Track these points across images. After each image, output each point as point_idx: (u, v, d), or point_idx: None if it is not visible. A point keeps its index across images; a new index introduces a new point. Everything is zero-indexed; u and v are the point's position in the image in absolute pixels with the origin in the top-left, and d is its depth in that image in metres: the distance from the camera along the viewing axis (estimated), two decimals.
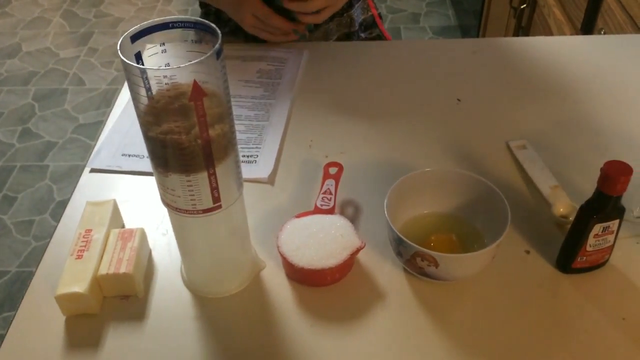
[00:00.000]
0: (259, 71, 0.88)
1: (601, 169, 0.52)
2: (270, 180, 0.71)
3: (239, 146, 0.74)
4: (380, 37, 1.05)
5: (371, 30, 1.04)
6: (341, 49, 0.94)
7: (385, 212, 0.56)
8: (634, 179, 0.57)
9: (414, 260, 0.55)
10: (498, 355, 0.53)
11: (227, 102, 0.47)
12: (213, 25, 0.46)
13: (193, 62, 0.43)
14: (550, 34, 1.45)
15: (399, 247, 0.56)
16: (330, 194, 0.64)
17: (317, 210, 0.62)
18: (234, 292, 0.58)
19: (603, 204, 0.53)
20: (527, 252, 0.61)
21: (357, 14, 1.01)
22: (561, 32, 1.38)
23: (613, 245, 0.57)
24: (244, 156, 0.73)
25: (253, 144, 0.75)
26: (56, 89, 2.45)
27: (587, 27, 1.23)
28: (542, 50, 0.91)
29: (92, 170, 0.72)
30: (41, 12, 3.06)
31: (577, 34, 1.32)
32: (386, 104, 0.82)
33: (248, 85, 0.85)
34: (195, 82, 0.43)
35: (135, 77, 0.43)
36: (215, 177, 0.48)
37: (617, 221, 0.54)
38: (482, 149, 0.74)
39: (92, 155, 0.74)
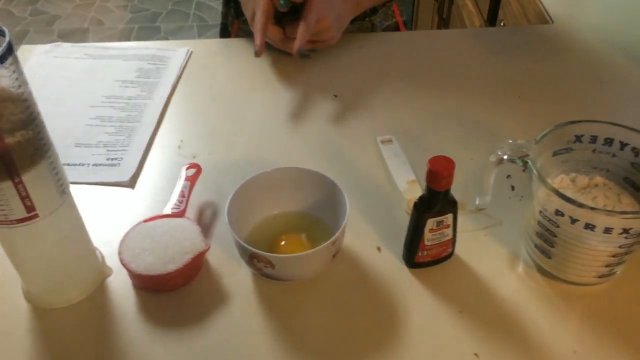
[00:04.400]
0: (138, 70, 0.86)
1: (427, 166, 0.52)
2: (131, 183, 0.69)
3: (105, 149, 0.74)
4: None
5: None
6: (224, 48, 0.93)
7: (226, 213, 0.56)
8: (472, 172, 0.57)
9: (252, 262, 0.55)
10: (338, 353, 0.53)
11: (28, 108, 0.46)
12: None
13: None
14: (465, 26, 1.47)
15: (239, 249, 0.56)
16: (184, 196, 0.63)
17: (166, 214, 0.61)
18: (74, 302, 0.56)
19: (434, 200, 0.54)
20: (378, 248, 0.62)
21: (380, 20, 0.99)
22: (472, 24, 1.40)
23: (454, 239, 0.58)
24: (108, 159, 0.72)
25: (120, 146, 0.73)
26: None
27: (492, 19, 1.25)
28: (424, 45, 0.92)
29: None
30: None
31: (485, 25, 1.34)
32: (263, 103, 0.82)
33: (125, 85, 0.83)
34: None
35: None
36: (24, 186, 0.47)
37: (450, 215, 0.55)
38: (353, 144, 0.74)
39: None
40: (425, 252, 0.57)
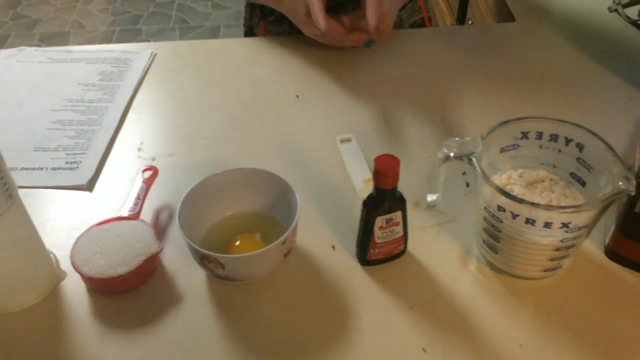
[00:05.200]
0: (101, 73, 0.86)
1: (373, 165, 0.53)
2: (90, 186, 0.69)
3: (65, 152, 0.74)
4: None
5: None
6: (190, 48, 0.93)
7: (177, 215, 0.56)
8: (428, 170, 0.58)
9: (203, 263, 0.55)
10: (291, 352, 0.53)
11: None
12: None
13: None
14: (437, 24, 1.47)
15: (190, 250, 0.56)
16: (139, 199, 0.63)
17: (120, 217, 0.61)
18: (27, 306, 0.56)
19: (381, 198, 0.54)
20: (333, 247, 0.62)
21: (408, 16, 0.99)
22: (444, 23, 1.41)
23: (405, 236, 0.58)
24: (67, 163, 0.72)
25: (79, 150, 0.73)
26: None
27: (462, 17, 1.26)
28: (389, 44, 0.91)
29: None
30: None
31: (456, 24, 1.35)
32: (224, 104, 0.82)
33: (87, 88, 0.83)
34: None
35: None
36: None
37: (399, 213, 0.56)
38: (314, 144, 0.75)
39: None
40: (376, 250, 0.58)
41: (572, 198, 0.56)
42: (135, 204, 0.62)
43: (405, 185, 0.63)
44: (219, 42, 0.94)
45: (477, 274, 0.59)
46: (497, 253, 0.56)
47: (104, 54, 0.90)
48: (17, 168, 0.71)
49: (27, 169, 0.71)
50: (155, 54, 0.90)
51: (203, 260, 0.55)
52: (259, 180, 0.61)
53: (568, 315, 0.55)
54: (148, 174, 0.66)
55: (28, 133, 0.76)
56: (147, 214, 0.66)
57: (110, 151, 0.74)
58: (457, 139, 0.56)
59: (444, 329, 0.54)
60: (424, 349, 0.53)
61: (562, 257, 0.53)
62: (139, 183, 0.65)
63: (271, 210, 0.62)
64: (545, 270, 0.55)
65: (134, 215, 0.62)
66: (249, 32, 1.07)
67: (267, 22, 1.02)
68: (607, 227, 0.60)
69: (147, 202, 0.66)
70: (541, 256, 0.53)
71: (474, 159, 0.53)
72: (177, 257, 0.62)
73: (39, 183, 0.69)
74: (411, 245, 0.61)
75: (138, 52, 0.90)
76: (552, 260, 0.53)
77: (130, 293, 0.58)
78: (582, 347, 0.53)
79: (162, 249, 0.58)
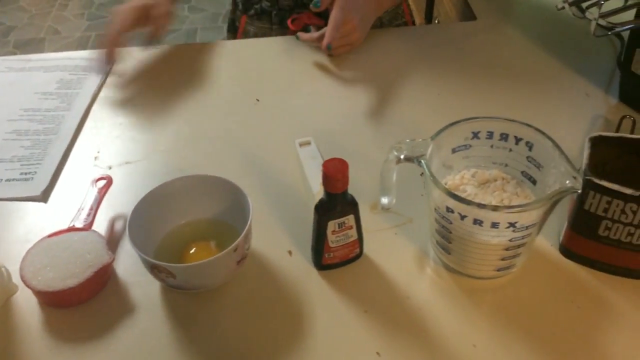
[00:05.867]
0: (59, 82, 0.85)
1: (322, 169, 0.53)
2: (44, 197, 0.68)
3: (19, 163, 0.72)
4: None
5: None
6: (149, 54, 0.91)
7: (127, 225, 0.55)
8: (373, 171, 0.57)
9: (154, 273, 0.55)
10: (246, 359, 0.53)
11: None
12: None
13: None
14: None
15: (141, 260, 0.55)
16: (92, 209, 0.62)
17: (72, 228, 0.60)
18: None
19: (332, 202, 0.54)
20: (289, 252, 0.62)
21: (389, 19, 1.00)
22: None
23: (360, 239, 0.58)
24: (21, 174, 0.70)
25: (35, 160, 0.72)
26: None
27: (429, 16, 1.26)
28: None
29: None
30: None
31: (425, 23, 1.35)
32: (183, 110, 0.81)
33: (44, 97, 0.82)
34: None
35: None
36: None
37: (351, 216, 0.55)
38: (273, 147, 0.75)
39: None
40: (331, 254, 0.58)
41: (524, 197, 0.56)
42: (88, 215, 0.62)
43: (363, 187, 0.62)
44: (177, 47, 0.93)
45: (432, 275, 0.59)
46: (450, 254, 0.56)
47: (63, 61, 0.89)
48: None
49: None
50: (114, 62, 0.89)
51: (154, 270, 0.54)
52: (212, 186, 0.61)
53: (521, 314, 0.55)
54: (102, 183, 0.65)
55: None
56: (102, 224, 0.65)
57: (66, 161, 0.73)
58: (408, 140, 0.56)
59: (398, 332, 0.54)
60: (378, 353, 0.52)
61: (514, 257, 0.54)
62: (92, 193, 0.65)
63: (227, 216, 0.62)
64: (498, 270, 0.55)
65: (87, 226, 0.61)
66: (232, 26, 1.08)
67: (248, 16, 1.03)
68: (562, 225, 0.60)
69: (103, 211, 0.65)
70: (492, 256, 0.53)
71: (422, 161, 0.53)
72: (131, 267, 0.61)
73: None
74: (368, 248, 0.61)
75: (96, 58, 0.88)
76: (503, 259, 0.53)
77: (83, 305, 0.57)
78: (534, 346, 0.53)
79: (113, 260, 0.58)
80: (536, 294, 0.57)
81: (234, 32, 1.07)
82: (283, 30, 0.98)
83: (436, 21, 1.20)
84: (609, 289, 0.57)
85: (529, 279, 0.58)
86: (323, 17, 0.91)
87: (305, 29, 0.95)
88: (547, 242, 0.61)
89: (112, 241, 0.63)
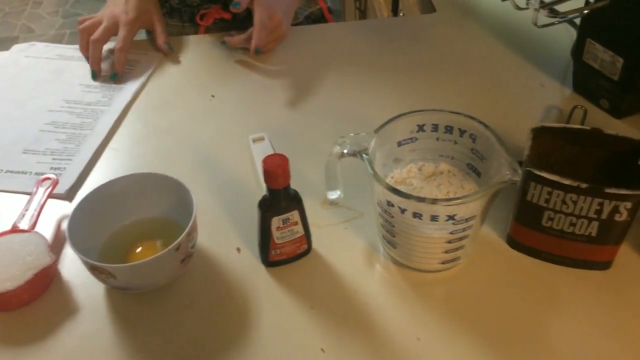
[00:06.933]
0: (104, 74, 0.83)
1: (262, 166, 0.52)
2: (69, 196, 0.66)
3: (52, 157, 0.70)
4: None
5: (320, 23, 1.01)
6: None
7: (66, 226, 0.54)
8: (319, 166, 0.57)
9: (95, 274, 0.54)
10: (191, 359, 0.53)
11: None
12: None
13: None
14: (376, 16, 1.47)
15: (82, 261, 0.54)
16: (36, 210, 0.61)
17: (15, 230, 0.59)
18: None
19: (275, 198, 0.53)
20: (238, 249, 0.61)
21: (303, 6, 0.98)
22: (382, 15, 1.41)
23: (307, 234, 0.57)
24: (51, 168, 0.69)
25: (67, 156, 0.71)
26: None
27: (395, 9, 1.26)
28: (309, 39, 0.91)
29: None
30: None
31: (391, 16, 1.35)
32: (140, 106, 0.79)
33: (88, 90, 0.81)
34: None
35: None
36: None
37: (295, 212, 0.55)
38: (227, 144, 0.74)
39: None
40: (278, 251, 0.57)
41: (469, 189, 0.56)
42: (32, 216, 0.60)
43: (315, 182, 0.62)
44: (134, 42, 0.92)
45: (380, 270, 0.59)
46: (395, 248, 0.56)
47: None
48: (2, 170, 0.69)
49: (12, 172, 0.68)
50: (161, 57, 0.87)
51: (94, 270, 0.53)
52: (158, 184, 0.60)
53: (467, 306, 0.55)
54: (47, 183, 0.64)
55: (20, 133, 0.74)
56: (50, 225, 0.64)
57: (99, 158, 0.71)
58: (352, 134, 0.55)
59: (343, 328, 0.54)
60: (322, 349, 0.52)
61: (457, 249, 0.53)
62: (38, 194, 0.63)
63: (175, 214, 0.60)
64: (443, 263, 0.55)
65: (30, 227, 0.59)
66: None
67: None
68: (509, 216, 0.60)
69: (51, 212, 0.64)
70: (435, 249, 0.53)
71: (364, 156, 0.52)
72: (77, 269, 0.59)
73: (20, 188, 0.66)
74: (318, 244, 0.61)
75: (145, 52, 0.87)
76: (447, 252, 0.53)
77: (25, 308, 0.56)
78: (478, 337, 0.52)
79: (55, 261, 0.57)
80: (482, 285, 0.57)
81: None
82: (195, 27, 0.96)
83: (401, 14, 1.19)
84: (554, 279, 0.57)
85: (476, 270, 0.58)
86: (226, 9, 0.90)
87: (215, 24, 0.94)
88: (495, 234, 0.61)
89: (58, 242, 0.62)
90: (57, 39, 2.87)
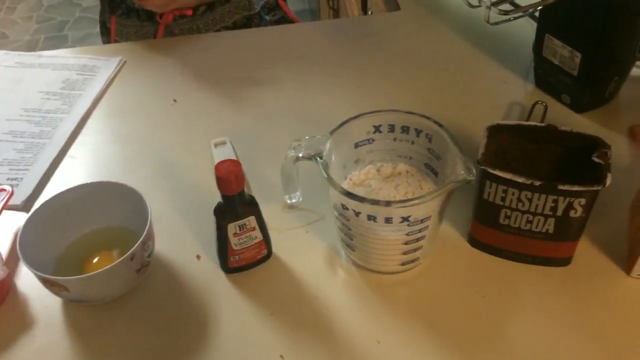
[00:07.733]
0: (64, 81, 0.81)
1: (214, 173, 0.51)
2: (27, 207, 0.65)
3: (8, 167, 0.69)
4: (286, 19, 1.01)
5: (275, 12, 1.00)
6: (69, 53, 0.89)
7: (17, 240, 0.53)
8: (284, 171, 0.56)
9: (48, 287, 0.53)
10: None
11: None
12: None
13: None
14: (347, 15, 1.47)
15: (35, 275, 0.53)
16: None
17: None
18: None
19: (229, 205, 0.53)
20: (198, 256, 0.60)
21: None
22: (352, 13, 1.40)
23: (266, 239, 0.57)
24: (8, 179, 0.67)
25: (24, 166, 0.69)
26: None
27: (364, 7, 1.26)
28: (271, 41, 0.90)
29: None
30: None
31: (362, 14, 1.34)
32: (101, 112, 0.78)
33: (47, 97, 0.79)
34: None
35: None
36: None
37: (252, 217, 0.54)
38: (189, 149, 0.73)
39: None
40: (237, 257, 0.56)
41: (427, 189, 0.56)
42: None
43: (277, 185, 0.61)
44: (91, 49, 0.91)
45: (342, 273, 0.58)
46: (354, 250, 0.55)
47: (71, 60, 0.86)
48: None
49: None
50: (124, 62, 0.85)
51: (46, 283, 0.52)
52: (114, 192, 0.58)
53: (427, 306, 0.55)
54: (2, 195, 0.62)
55: None
56: (6, 238, 0.62)
57: (57, 167, 0.70)
58: (307, 137, 0.55)
59: (303, 333, 0.53)
60: (281, 356, 0.51)
61: (415, 250, 0.53)
62: None
63: (131, 223, 0.59)
64: (402, 264, 0.55)
65: None
66: (104, 28, 1.05)
67: (117, 16, 1.00)
68: (471, 215, 0.60)
69: (6, 224, 0.62)
70: (393, 250, 0.52)
71: (318, 159, 0.52)
72: (34, 282, 0.57)
73: None
74: (278, 248, 0.60)
75: (107, 59, 0.85)
76: (405, 253, 0.53)
77: None
78: (438, 338, 0.52)
79: (8, 275, 0.55)
80: (443, 285, 0.56)
81: (107, 34, 1.03)
82: (155, 25, 0.95)
83: (369, 12, 1.19)
84: (515, 276, 0.57)
85: (437, 270, 0.58)
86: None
87: (175, 20, 0.93)
88: (457, 233, 0.61)
89: (14, 255, 0.60)
90: (32, 45, 2.83)
